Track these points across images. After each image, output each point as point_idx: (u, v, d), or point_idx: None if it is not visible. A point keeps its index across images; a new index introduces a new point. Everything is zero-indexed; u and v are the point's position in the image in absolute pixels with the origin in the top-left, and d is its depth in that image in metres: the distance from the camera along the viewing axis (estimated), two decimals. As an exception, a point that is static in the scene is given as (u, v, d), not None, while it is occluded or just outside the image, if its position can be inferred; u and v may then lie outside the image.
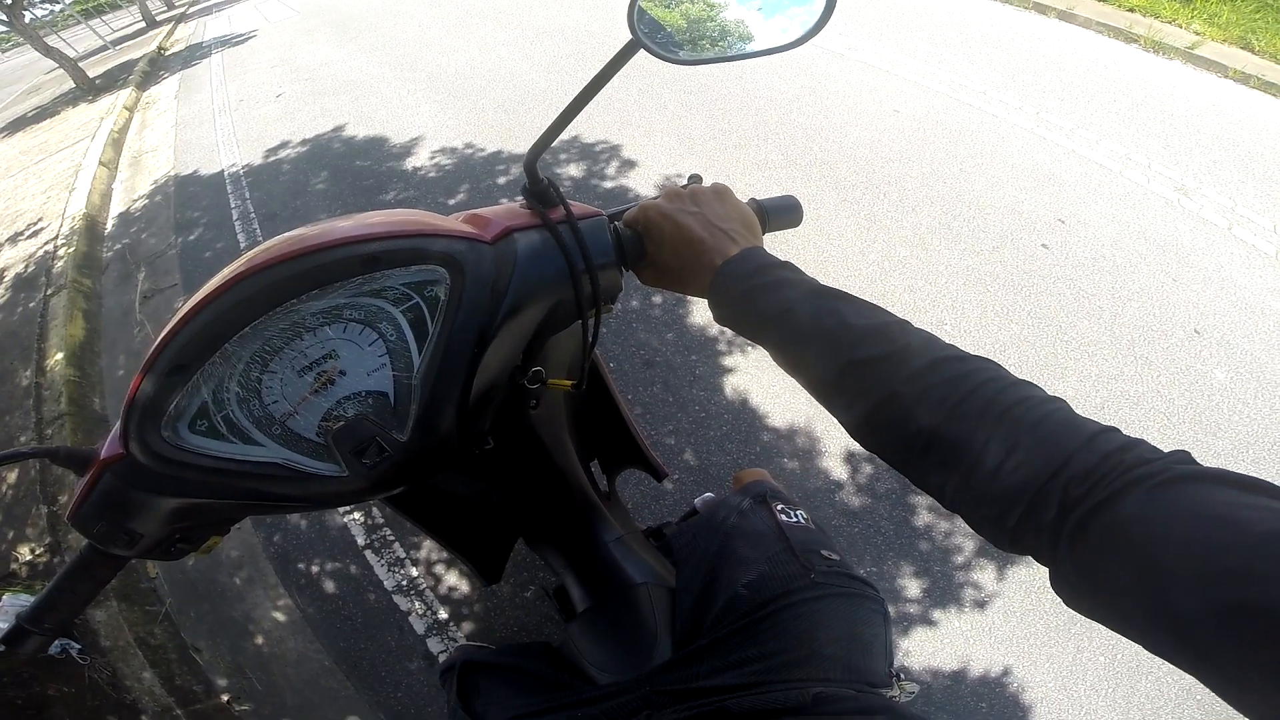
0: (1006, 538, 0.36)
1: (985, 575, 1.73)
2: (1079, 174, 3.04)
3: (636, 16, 0.50)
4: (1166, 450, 0.32)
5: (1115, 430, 0.34)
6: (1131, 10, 4.42)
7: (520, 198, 0.62)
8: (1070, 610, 0.33)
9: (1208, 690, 0.26)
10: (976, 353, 0.41)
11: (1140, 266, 2.55)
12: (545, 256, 0.58)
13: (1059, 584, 0.33)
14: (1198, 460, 0.31)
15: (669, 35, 0.54)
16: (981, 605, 1.69)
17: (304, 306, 0.50)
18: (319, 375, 0.52)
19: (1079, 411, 0.36)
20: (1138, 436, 0.33)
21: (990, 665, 1.60)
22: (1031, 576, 1.70)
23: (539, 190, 0.59)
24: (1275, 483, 0.28)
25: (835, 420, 0.46)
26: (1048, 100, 3.57)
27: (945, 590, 1.72)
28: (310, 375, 0.52)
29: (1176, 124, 3.34)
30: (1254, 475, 0.28)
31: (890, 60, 4.08)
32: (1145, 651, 0.29)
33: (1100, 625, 0.31)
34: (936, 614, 1.69)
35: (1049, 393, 0.38)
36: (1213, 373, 2.14)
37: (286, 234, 0.53)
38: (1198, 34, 4.11)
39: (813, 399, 0.48)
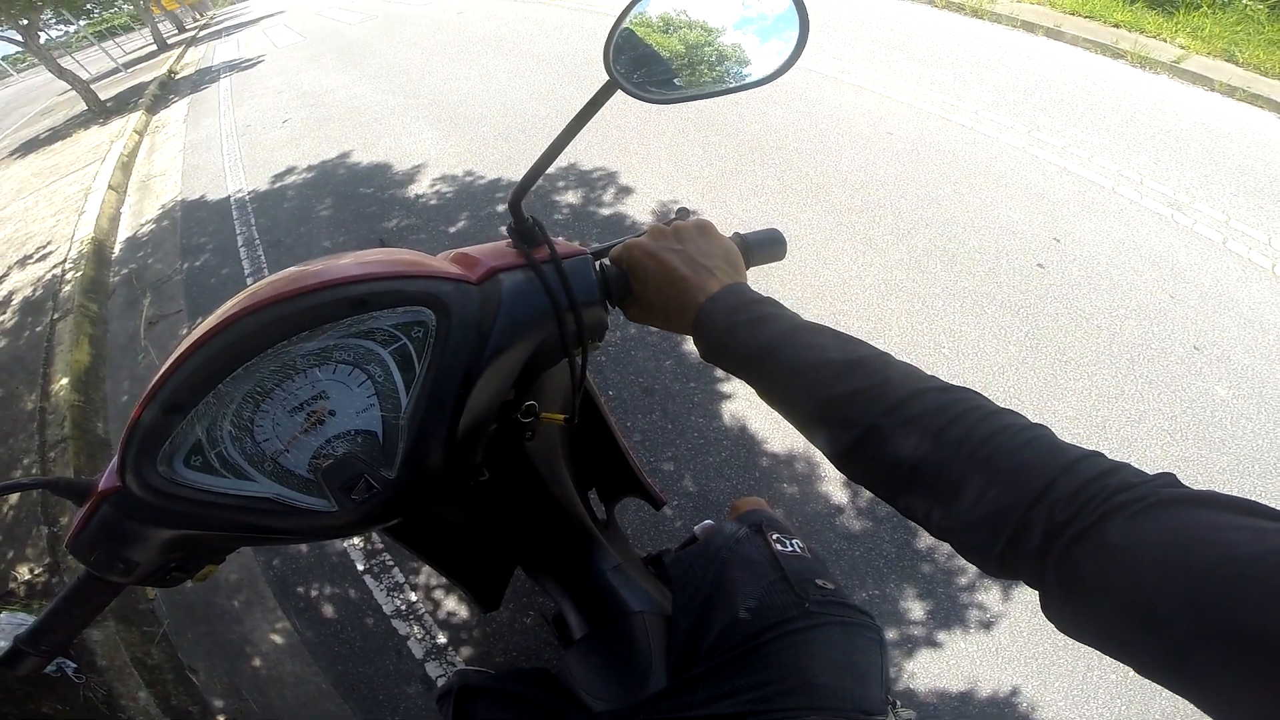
0: (994, 564, 0.36)
1: (990, 596, 1.72)
2: (1072, 192, 3.07)
3: (613, 57, 0.52)
4: (1152, 474, 0.32)
5: (1099, 455, 0.34)
6: (1117, 26, 4.49)
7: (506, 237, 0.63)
8: None
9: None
10: (976, 374, 0.42)
11: (1137, 284, 2.56)
12: (530, 296, 0.59)
13: (1049, 610, 0.33)
14: (1184, 482, 0.31)
15: (645, 75, 0.56)
16: (987, 626, 1.67)
17: (294, 348, 0.52)
18: (309, 415, 0.54)
19: (1079, 432, 0.36)
20: (1122, 460, 0.34)
21: (999, 686, 1.58)
22: (1036, 596, 1.67)
23: (524, 229, 0.60)
24: (1263, 502, 0.28)
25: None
26: (1039, 118, 3.62)
27: (950, 612, 1.71)
28: (301, 415, 0.53)
29: (1166, 139, 3.38)
30: (1239, 496, 0.28)
31: (883, 83, 4.15)
32: None
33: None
34: (942, 635, 1.67)
35: (1032, 420, 0.38)
36: (1214, 389, 2.14)
37: (278, 274, 0.54)
38: (1183, 48, 4.17)
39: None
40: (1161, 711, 1.50)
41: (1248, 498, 0.28)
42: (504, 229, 0.62)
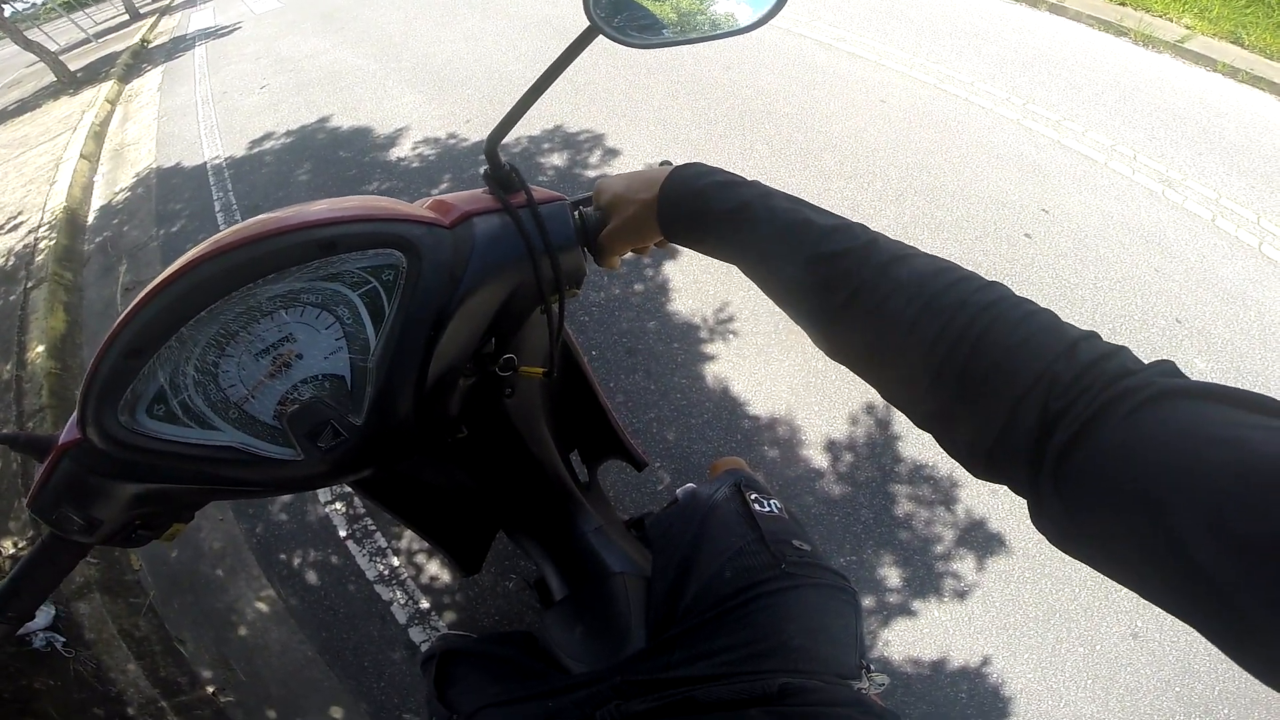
0: (982, 458, 0.33)
1: (965, 565, 1.74)
2: (1064, 165, 3.05)
3: (593, 2, 0.50)
4: (1149, 361, 0.29)
5: (1096, 336, 0.32)
6: (1123, 4, 4.42)
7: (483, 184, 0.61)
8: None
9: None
10: None
11: (1123, 256, 2.55)
12: (504, 240, 0.58)
13: (1041, 520, 0.31)
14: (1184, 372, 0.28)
15: (625, 20, 0.53)
16: (961, 595, 1.69)
17: (260, 291, 0.50)
18: (275, 359, 0.52)
19: None
20: (1120, 344, 0.31)
21: (970, 655, 1.61)
22: (1012, 566, 1.71)
23: (500, 175, 0.59)
24: (1274, 397, 0.25)
25: (811, 351, 0.45)
26: (1035, 92, 3.57)
27: (925, 579, 1.73)
28: (267, 359, 0.52)
29: (1163, 117, 3.35)
30: (1247, 389, 0.25)
31: (878, 51, 4.07)
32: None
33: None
34: (916, 604, 1.69)
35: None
36: (1193, 361, 2.15)
37: (246, 220, 0.53)
38: (1188, 28, 4.11)
39: (786, 314, 0.46)
40: (1125, 685, 1.53)
41: (1258, 391, 0.25)
42: (481, 173, 0.60)
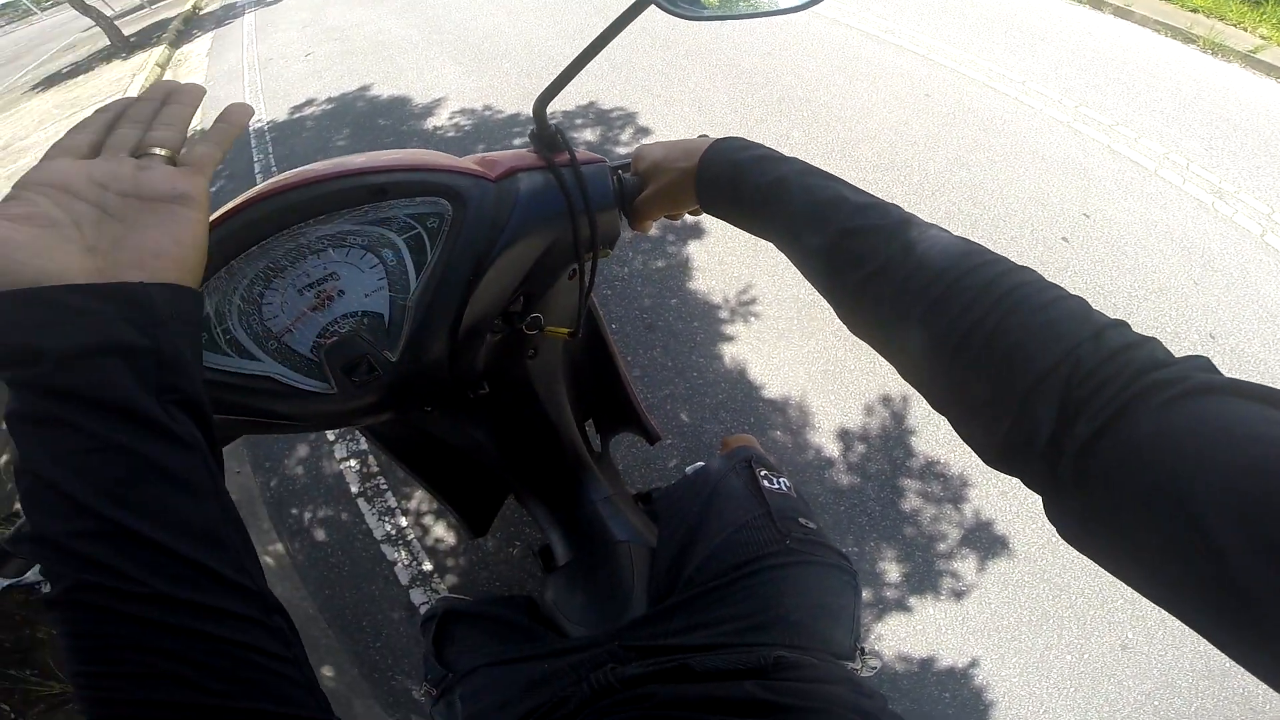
0: (997, 442, 0.32)
1: (966, 565, 1.72)
2: (1112, 170, 2.94)
3: None
4: (1182, 356, 0.28)
5: (1125, 325, 0.31)
6: (1195, 10, 4.20)
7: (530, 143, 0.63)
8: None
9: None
10: None
11: (1162, 266, 2.46)
12: (546, 196, 0.60)
13: (1057, 513, 0.30)
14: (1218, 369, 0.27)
15: None
16: (958, 595, 1.67)
17: (310, 230, 0.53)
18: (318, 294, 0.55)
19: None
20: (1149, 335, 0.29)
21: (960, 655, 1.60)
22: (1012, 569, 1.69)
23: (546, 135, 0.60)
24: None
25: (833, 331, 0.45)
26: (1090, 95, 3.43)
27: (924, 576, 1.71)
28: (310, 293, 0.55)
29: (1223, 127, 3.19)
30: None
31: (928, 45, 3.95)
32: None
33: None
34: (913, 600, 1.68)
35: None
36: (1224, 378, 2.07)
37: (299, 168, 0.55)
38: (1263, 38, 3.89)
39: (815, 289, 0.46)
40: (1106, 697, 1.51)
41: None
42: (528, 133, 0.62)
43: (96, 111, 0.39)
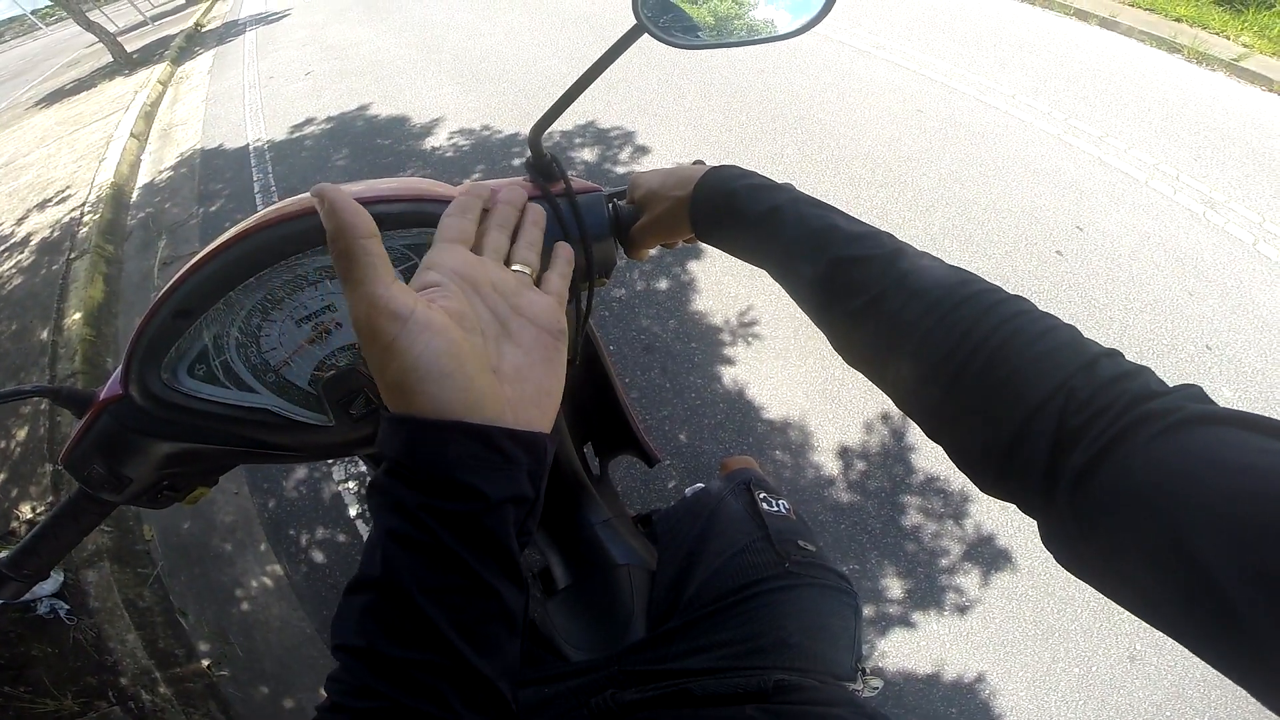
0: (993, 470, 0.32)
1: (969, 580, 1.71)
2: (1103, 182, 2.97)
3: (640, 1, 0.51)
4: (1175, 385, 0.28)
5: (1118, 354, 0.31)
6: (1178, 20, 4.27)
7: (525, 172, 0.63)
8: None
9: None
10: None
11: (1156, 278, 2.48)
12: None
13: (1053, 539, 0.30)
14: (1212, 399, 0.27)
15: (671, 20, 0.55)
16: (962, 610, 1.67)
17: (308, 261, 0.53)
18: (315, 326, 0.55)
19: None
20: (1143, 364, 0.30)
21: (965, 670, 1.59)
22: (1015, 584, 1.68)
23: (541, 164, 0.60)
24: None
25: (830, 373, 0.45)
26: (1079, 107, 3.47)
27: (927, 592, 1.70)
28: (308, 325, 0.54)
29: (1211, 136, 3.23)
30: (1277, 417, 0.25)
31: (918, 60, 4.00)
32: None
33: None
34: (916, 615, 1.67)
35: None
36: (1220, 389, 2.07)
37: (297, 196, 0.55)
38: (1246, 46, 3.95)
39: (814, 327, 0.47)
40: (1116, 709, 1.49)
41: None
42: (523, 162, 0.62)
43: (466, 195, 0.40)
